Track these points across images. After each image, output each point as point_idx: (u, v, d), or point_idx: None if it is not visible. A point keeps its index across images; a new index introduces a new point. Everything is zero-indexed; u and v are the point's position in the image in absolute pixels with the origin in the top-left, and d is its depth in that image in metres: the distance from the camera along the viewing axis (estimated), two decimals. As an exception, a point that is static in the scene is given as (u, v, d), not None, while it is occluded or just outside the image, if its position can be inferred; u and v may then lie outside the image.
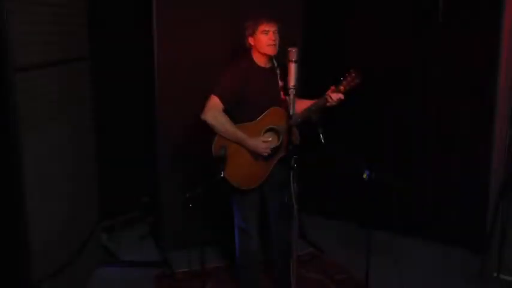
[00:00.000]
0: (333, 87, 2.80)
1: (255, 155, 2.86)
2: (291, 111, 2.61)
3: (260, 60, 2.88)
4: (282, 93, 2.86)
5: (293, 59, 2.58)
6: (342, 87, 2.79)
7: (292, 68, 2.59)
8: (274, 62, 2.89)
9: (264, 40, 2.79)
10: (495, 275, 3.52)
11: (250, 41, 2.84)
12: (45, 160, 2.79)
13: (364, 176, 2.64)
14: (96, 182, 3.68)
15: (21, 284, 2.63)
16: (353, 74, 2.79)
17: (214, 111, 2.77)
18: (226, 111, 2.81)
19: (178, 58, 3.65)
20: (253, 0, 3.49)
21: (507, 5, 3.31)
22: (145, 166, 4.24)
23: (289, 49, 2.59)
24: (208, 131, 2.80)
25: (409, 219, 4.08)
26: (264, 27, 2.78)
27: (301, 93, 2.91)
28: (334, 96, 2.78)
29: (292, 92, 2.59)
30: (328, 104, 2.79)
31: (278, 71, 2.87)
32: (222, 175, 2.66)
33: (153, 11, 3.53)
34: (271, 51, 2.81)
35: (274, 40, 2.79)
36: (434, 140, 4.10)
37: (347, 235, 4.23)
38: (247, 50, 2.90)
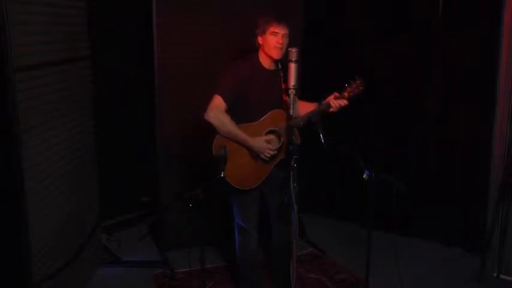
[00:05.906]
0: (336, 94, 2.78)
1: (254, 156, 2.84)
2: (291, 111, 2.61)
3: (265, 62, 2.84)
4: (284, 95, 2.84)
5: (293, 59, 2.58)
6: (345, 94, 2.76)
7: (292, 68, 2.59)
8: (279, 64, 2.87)
9: (272, 42, 2.74)
10: (495, 275, 3.53)
11: (259, 40, 2.80)
12: (45, 160, 2.79)
13: (364, 176, 2.63)
14: (96, 182, 3.68)
15: (21, 284, 2.63)
16: (358, 81, 2.76)
17: (216, 112, 2.75)
18: (228, 110, 2.79)
19: (178, 58, 3.65)
20: (254, 0, 3.49)
21: (507, 5, 3.31)
22: (145, 166, 4.24)
23: (290, 49, 2.60)
24: (208, 130, 2.79)
25: (409, 220, 4.08)
26: (274, 28, 2.73)
27: (301, 94, 2.90)
28: (338, 103, 2.76)
29: (292, 92, 2.58)
30: (331, 109, 2.78)
31: (282, 74, 2.84)
32: (222, 175, 2.66)
33: (153, 11, 3.53)
34: (276, 54, 2.77)
35: (281, 43, 2.74)
36: (434, 140, 4.10)
37: (347, 235, 4.23)
38: (255, 50, 2.86)
